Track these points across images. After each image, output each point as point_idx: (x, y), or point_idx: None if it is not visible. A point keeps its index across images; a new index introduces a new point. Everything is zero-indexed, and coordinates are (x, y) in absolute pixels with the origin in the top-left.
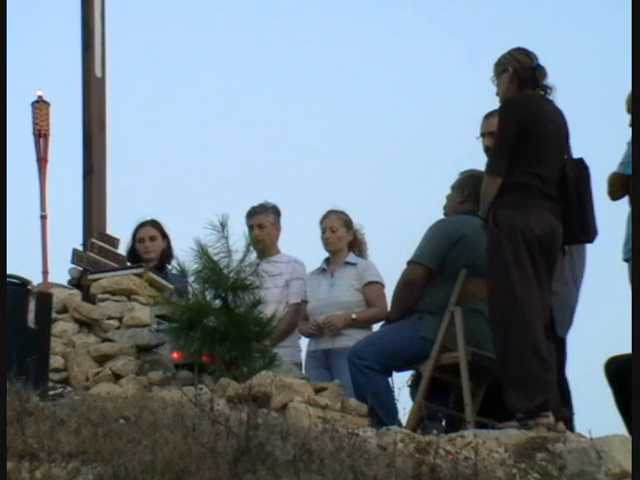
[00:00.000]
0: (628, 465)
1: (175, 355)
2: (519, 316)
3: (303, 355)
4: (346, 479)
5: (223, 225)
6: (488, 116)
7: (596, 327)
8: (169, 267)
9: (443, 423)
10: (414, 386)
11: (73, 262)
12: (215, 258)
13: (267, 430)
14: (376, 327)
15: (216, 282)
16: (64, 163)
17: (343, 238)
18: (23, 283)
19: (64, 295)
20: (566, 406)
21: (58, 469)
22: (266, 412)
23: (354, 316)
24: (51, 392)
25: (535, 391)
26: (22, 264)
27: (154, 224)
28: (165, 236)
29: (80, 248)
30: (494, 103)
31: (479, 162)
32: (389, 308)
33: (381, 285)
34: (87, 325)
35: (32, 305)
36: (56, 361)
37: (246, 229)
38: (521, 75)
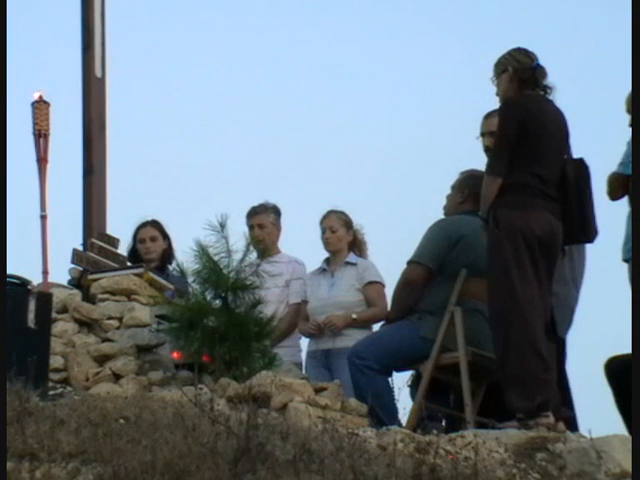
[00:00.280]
0: (628, 465)
1: (175, 355)
2: (519, 316)
3: (303, 355)
4: (346, 479)
5: (223, 225)
6: (488, 116)
7: (596, 327)
8: (170, 268)
9: (443, 423)
10: (414, 386)
11: (73, 262)
12: (215, 258)
13: (267, 430)
14: (376, 327)
15: (216, 282)
16: (64, 163)
17: (343, 238)
18: (23, 283)
19: (64, 295)
20: (566, 406)
21: (58, 469)
22: (266, 412)
23: (354, 316)
24: (51, 392)
25: (535, 391)
26: (22, 264)
27: (155, 224)
28: (166, 236)
29: (80, 248)
30: (494, 103)
31: (479, 162)
32: (389, 308)
33: (381, 285)
34: (87, 325)
35: (32, 305)
36: (56, 361)
37: (246, 229)
38: (521, 75)
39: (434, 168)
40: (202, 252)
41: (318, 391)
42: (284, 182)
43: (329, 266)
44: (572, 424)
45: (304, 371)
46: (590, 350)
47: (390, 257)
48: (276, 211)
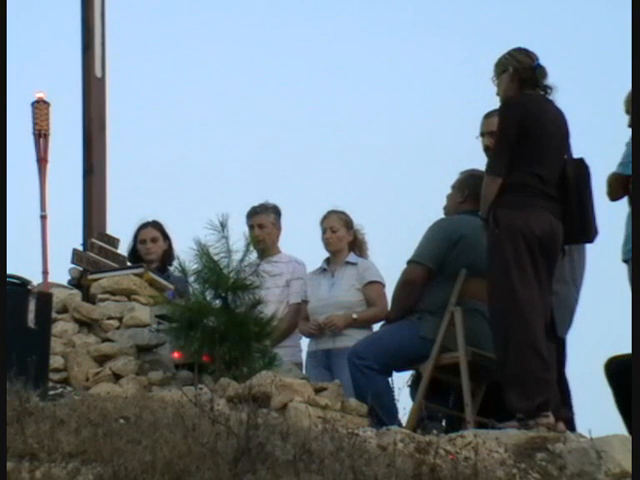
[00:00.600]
0: (628, 465)
1: (175, 355)
2: (519, 316)
3: (304, 355)
4: (346, 479)
5: (223, 225)
6: (488, 116)
7: (596, 327)
8: (171, 269)
9: (443, 423)
10: (414, 386)
11: (73, 262)
12: (215, 258)
13: (267, 430)
14: (376, 327)
15: (216, 282)
16: (64, 163)
17: (343, 238)
18: (23, 283)
19: (64, 295)
20: (566, 406)
21: (58, 469)
22: (266, 412)
23: (355, 316)
24: (51, 392)
25: (535, 391)
26: (22, 264)
27: (155, 225)
28: (167, 237)
29: (80, 248)
30: (494, 103)
31: (479, 162)
32: (389, 308)
33: (381, 285)
34: (87, 325)
35: (32, 305)
36: (56, 361)
37: (246, 229)
38: (521, 75)
39: (434, 168)
40: (202, 252)
41: (318, 391)
42: (284, 182)
43: (329, 266)
44: (570, 424)
45: (304, 371)
46: (590, 350)
47: (390, 257)
48: (276, 211)
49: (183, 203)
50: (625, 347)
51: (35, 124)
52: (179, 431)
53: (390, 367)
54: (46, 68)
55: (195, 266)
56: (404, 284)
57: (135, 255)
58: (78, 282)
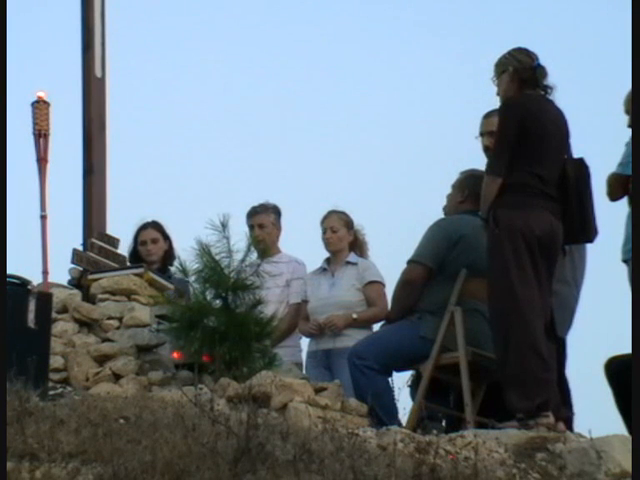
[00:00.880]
0: (628, 465)
1: (175, 355)
2: (519, 316)
3: (304, 355)
4: (346, 479)
5: (224, 225)
6: (487, 115)
7: (596, 327)
8: (172, 269)
9: (443, 423)
10: (414, 386)
11: (73, 262)
12: (216, 258)
13: (267, 430)
14: (377, 327)
15: (217, 282)
16: (64, 163)
17: (344, 238)
18: (23, 283)
19: (64, 295)
20: (566, 406)
21: (58, 469)
22: (266, 412)
23: (355, 316)
24: (51, 392)
25: (535, 391)
26: (22, 264)
27: (156, 226)
28: (167, 237)
29: (80, 248)
30: (494, 103)
31: (479, 162)
32: (389, 308)
33: (382, 285)
34: (87, 325)
35: (32, 305)
36: (56, 361)
37: (247, 229)
38: (521, 75)
39: (434, 168)
40: (203, 252)
41: (318, 391)
42: (284, 182)
43: (329, 266)
44: (570, 424)
45: (304, 371)
46: (590, 350)
47: (390, 257)
48: (276, 211)
49: (183, 203)
50: (625, 347)
51: (35, 124)
52: (179, 431)
53: (390, 367)
54: (46, 68)
55: (196, 266)
56: (404, 284)
57: (136, 256)
58: (78, 282)
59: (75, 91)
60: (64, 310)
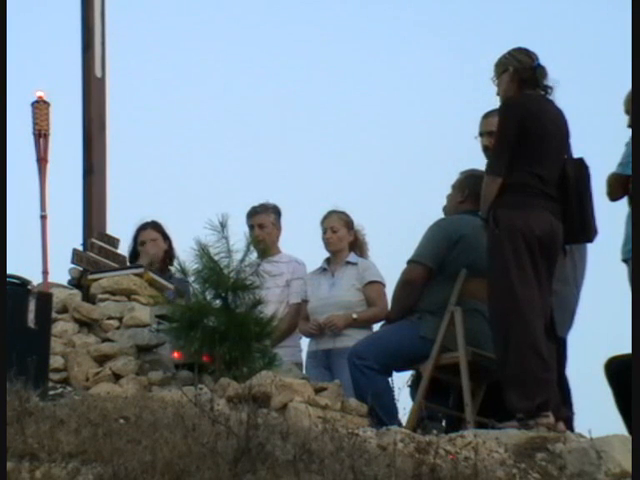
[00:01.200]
0: (628, 465)
1: (175, 355)
2: (519, 316)
3: (304, 355)
4: (346, 479)
5: (223, 225)
6: (487, 115)
7: (596, 327)
8: (172, 270)
9: (443, 423)
10: (414, 386)
11: (73, 262)
12: (215, 258)
13: (267, 430)
14: (377, 327)
15: (216, 282)
16: (64, 163)
17: (344, 238)
18: (23, 283)
19: (64, 295)
20: (566, 406)
21: (58, 469)
22: (266, 412)
23: (355, 316)
24: (51, 392)
25: (535, 391)
26: (22, 264)
27: (154, 226)
28: (166, 237)
29: (80, 248)
30: (494, 103)
31: (479, 162)
32: (389, 308)
33: (382, 285)
34: (87, 325)
35: (32, 305)
36: (56, 361)
37: (246, 229)
38: (522, 75)
39: (434, 168)
40: (203, 252)
41: (318, 391)
42: (284, 182)
43: (329, 266)
44: (570, 424)
45: (304, 371)
46: (590, 350)
47: (390, 257)
48: (276, 211)
49: (183, 203)
50: (625, 347)
51: (35, 124)
52: (179, 431)
53: (390, 367)
54: (46, 68)
55: (195, 266)
56: (404, 284)
57: (136, 257)
58: (78, 282)
59: (75, 91)
60: (64, 310)
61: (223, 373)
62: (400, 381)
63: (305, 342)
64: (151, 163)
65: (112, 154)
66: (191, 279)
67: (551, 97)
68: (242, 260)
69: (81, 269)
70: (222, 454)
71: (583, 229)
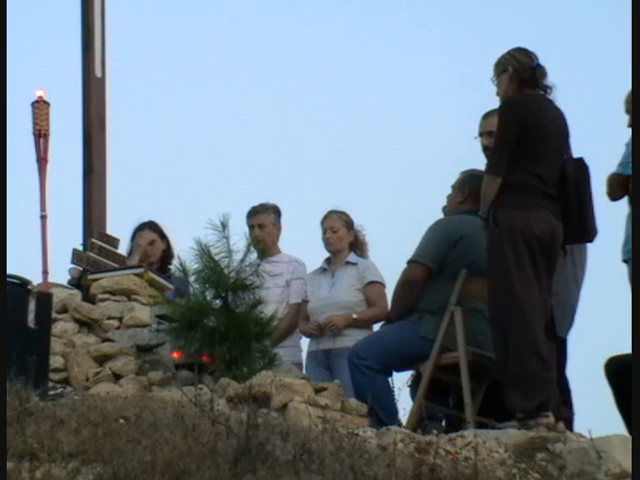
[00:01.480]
0: (628, 465)
1: (175, 355)
2: (519, 316)
3: (304, 355)
4: (346, 479)
5: (224, 225)
6: (487, 115)
7: (596, 327)
8: (172, 269)
9: (443, 423)
10: (414, 386)
11: (73, 262)
12: (216, 258)
13: (267, 430)
14: (377, 327)
15: (216, 282)
16: (64, 163)
17: (344, 238)
18: (23, 283)
19: (64, 295)
20: (566, 406)
21: (58, 469)
22: (266, 412)
23: (355, 316)
24: (51, 392)
25: (535, 391)
26: (22, 264)
27: (152, 226)
28: (164, 237)
29: (80, 248)
30: (494, 103)
31: (479, 162)
32: (389, 308)
33: (382, 285)
34: (87, 325)
35: (32, 305)
36: (56, 361)
37: (247, 229)
38: (521, 75)
39: (434, 168)
40: (203, 252)
41: (318, 391)
42: (284, 182)
43: (330, 266)
44: (570, 424)
45: (304, 371)
46: (590, 350)
47: (390, 257)
48: (276, 211)
49: (183, 203)
50: (625, 347)
51: (35, 124)
52: (179, 431)
53: (390, 367)
54: (46, 68)
55: (196, 266)
56: (404, 284)
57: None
58: (78, 282)
59: (75, 91)
60: (64, 310)
61: (223, 373)
62: (400, 381)
63: (305, 342)
64: (151, 163)
65: (112, 154)
66: (191, 279)
67: (551, 97)
68: (242, 260)
69: (81, 269)
70: (222, 454)
71: (583, 229)
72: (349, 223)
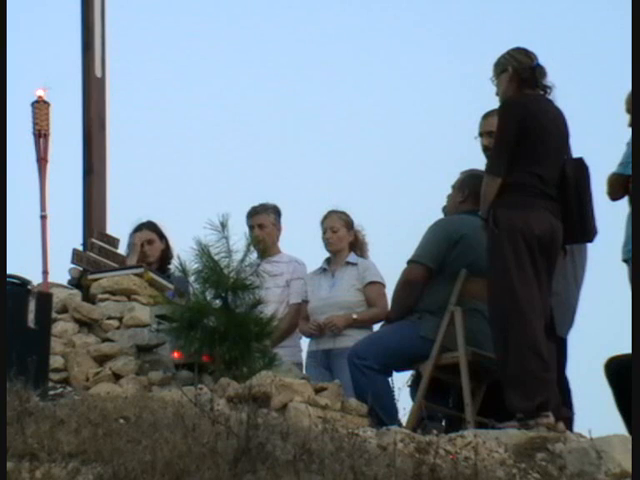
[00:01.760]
0: (628, 465)
1: (175, 355)
2: (519, 316)
3: (304, 355)
4: (346, 479)
5: (224, 225)
6: (487, 115)
7: (596, 327)
8: (171, 269)
9: (443, 423)
10: (414, 386)
11: (73, 262)
12: (215, 258)
13: (267, 430)
14: (377, 327)
15: (216, 282)
16: (64, 163)
17: (344, 238)
18: (23, 283)
19: (64, 295)
20: (566, 406)
21: (58, 469)
22: (266, 412)
23: (355, 316)
24: (51, 392)
25: (535, 391)
26: (22, 264)
27: (150, 226)
28: (163, 237)
29: (80, 248)
30: (494, 103)
31: (479, 162)
32: (389, 308)
33: (382, 285)
34: (87, 325)
35: (32, 305)
36: (56, 361)
37: (247, 229)
38: (521, 75)
39: (434, 168)
40: (203, 252)
41: (318, 391)
42: (284, 182)
43: (330, 266)
44: (570, 424)
45: (304, 371)
46: (590, 350)
47: (390, 257)
48: (276, 211)
49: (183, 203)
50: (625, 347)
51: (35, 124)
52: (179, 431)
53: (390, 367)
54: (46, 68)
55: (195, 266)
56: (404, 284)
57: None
58: (78, 282)
59: (75, 91)
60: (64, 310)
61: (223, 373)
62: (400, 381)
63: (305, 342)
64: (151, 163)
65: (112, 154)
66: (191, 279)
67: (550, 97)
68: (242, 260)
69: (81, 269)
70: (222, 454)
71: (583, 229)
72: (349, 223)
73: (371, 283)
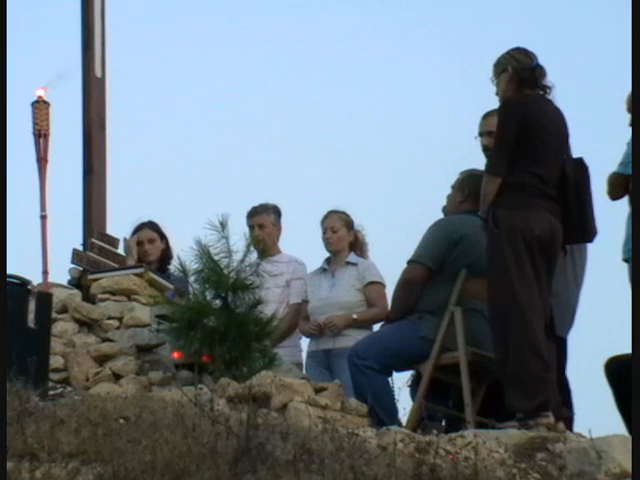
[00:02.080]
0: (628, 465)
1: (175, 355)
2: (519, 316)
3: (304, 355)
4: (346, 479)
5: (223, 225)
6: (487, 115)
7: (596, 327)
8: (171, 268)
9: (443, 423)
10: (414, 386)
11: (73, 262)
12: (215, 258)
13: (267, 430)
14: (377, 327)
15: (216, 282)
16: (64, 163)
17: (344, 238)
18: (23, 283)
19: (64, 295)
20: (566, 406)
21: (58, 469)
22: (266, 412)
23: (355, 316)
24: (51, 392)
25: (535, 391)
26: (22, 264)
27: (151, 226)
28: (163, 237)
29: (80, 248)
30: (493, 103)
31: (479, 162)
32: (389, 308)
33: (382, 285)
34: (87, 325)
35: (32, 305)
36: (56, 361)
37: (247, 229)
38: (521, 75)
39: (434, 168)
40: (203, 252)
41: (318, 391)
42: (284, 182)
43: (330, 266)
44: (570, 424)
45: (304, 371)
46: (590, 350)
47: (390, 257)
48: (276, 211)
49: (183, 203)
50: (625, 347)
51: (35, 124)
52: (179, 431)
53: (390, 367)
54: (46, 68)
55: (195, 266)
56: (404, 284)
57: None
58: (78, 282)
59: (75, 91)
60: (64, 310)
61: (223, 373)
62: (400, 381)
63: (305, 342)
64: (151, 163)
65: (112, 154)
66: (191, 279)
67: (550, 97)
68: (242, 260)
69: (81, 269)
70: (222, 454)
71: (583, 229)
72: (349, 223)
73: (371, 283)
